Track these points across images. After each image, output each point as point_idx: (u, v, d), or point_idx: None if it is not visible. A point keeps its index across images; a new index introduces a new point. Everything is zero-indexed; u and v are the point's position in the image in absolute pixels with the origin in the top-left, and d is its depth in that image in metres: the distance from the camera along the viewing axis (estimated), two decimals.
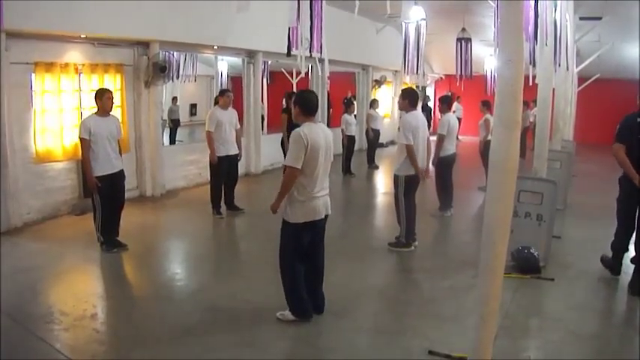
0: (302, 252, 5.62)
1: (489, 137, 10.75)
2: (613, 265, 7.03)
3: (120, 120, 8.98)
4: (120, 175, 7.93)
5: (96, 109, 7.76)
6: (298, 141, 5.19)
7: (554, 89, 9.66)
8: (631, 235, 6.77)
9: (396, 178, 8.01)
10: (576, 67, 16.35)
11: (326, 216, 5.68)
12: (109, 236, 7.80)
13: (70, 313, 5.87)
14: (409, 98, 7.99)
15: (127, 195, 10.60)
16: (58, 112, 9.75)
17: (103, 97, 7.67)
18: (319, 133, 5.31)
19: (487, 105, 12.34)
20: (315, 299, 5.73)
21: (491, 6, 11.74)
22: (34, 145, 9.39)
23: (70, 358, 4.88)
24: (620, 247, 6.92)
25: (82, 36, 9.96)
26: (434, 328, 5.56)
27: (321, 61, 10.64)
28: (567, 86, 13.76)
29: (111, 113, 7.90)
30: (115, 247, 7.74)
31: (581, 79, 19.89)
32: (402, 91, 8.37)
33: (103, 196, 7.67)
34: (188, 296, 6.57)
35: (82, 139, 7.48)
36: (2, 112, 8.68)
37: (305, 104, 5.41)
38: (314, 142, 5.22)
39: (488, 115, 12.15)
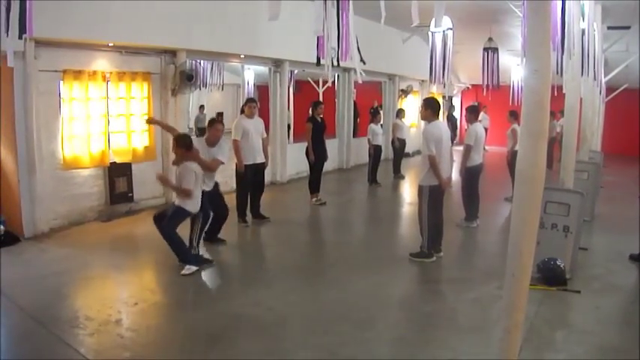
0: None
1: (517, 147, 10.68)
2: None
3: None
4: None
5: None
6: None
7: (581, 99, 9.57)
8: None
9: (420, 189, 7.97)
10: (604, 76, 16.19)
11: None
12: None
13: (95, 318, 5.92)
14: (431, 108, 7.95)
15: (151, 203, 10.82)
16: (86, 120, 9.86)
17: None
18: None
19: (515, 115, 12.26)
20: None
21: (518, 16, 11.67)
22: (62, 152, 9.51)
23: None
24: None
25: (110, 44, 10.07)
26: (458, 339, 5.52)
27: (350, 70, 10.62)
28: (595, 96, 13.63)
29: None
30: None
31: (609, 89, 19.68)
32: (424, 100, 8.32)
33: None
34: (212, 303, 6.59)
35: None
36: (31, 119, 8.81)
37: (184, 144, 7.42)
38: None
39: (515, 125, 12.08)
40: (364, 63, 9.04)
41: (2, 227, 8.72)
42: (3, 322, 5.91)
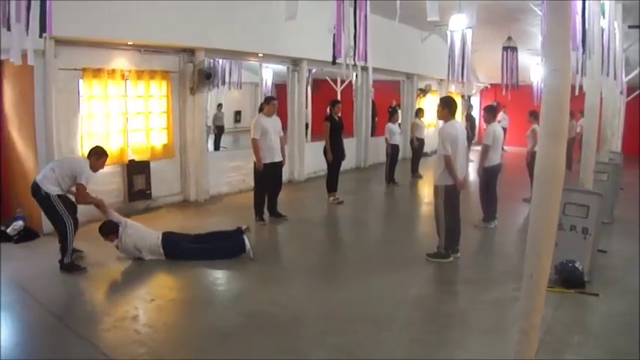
0: None
1: (536, 148, 10.59)
2: None
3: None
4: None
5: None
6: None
7: (601, 99, 9.48)
8: None
9: (435, 189, 7.93)
10: (625, 76, 16.01)
11: None
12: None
13: (112, 313, 5.97)
14: (448, 107, 7.89)
15: (169, 200, 10.93)
16: (105, 117, 9.94)
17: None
18: None
19: (535, 115, 12.15)
20: None
21: (538, 15, 11.59)
22: (81, 149, 9.57)
23: (111, 358, 4.95)
24: None
25: (129, 43, 10.14)
26: (474, 340, 5.49)
27: (365, 69, 10.66)
28: (615, 96, 13.51)
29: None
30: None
31: (630, 89, 19.44)
32: (441, 99, 8.27)
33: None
34: (228, 301, 6.61)
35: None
36: (50, 117, 8.89)
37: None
38: None
39: (535, 126, 11.97)
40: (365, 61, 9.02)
41: (22, 223, 8.84)
42: (22, 317, 5.98)
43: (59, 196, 7.36)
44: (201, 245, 8.03)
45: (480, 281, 7.26)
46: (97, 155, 7.71)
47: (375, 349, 5.27)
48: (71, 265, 7.36)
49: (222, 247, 8.01)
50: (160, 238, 7.82)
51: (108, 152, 8.06)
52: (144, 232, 7.89)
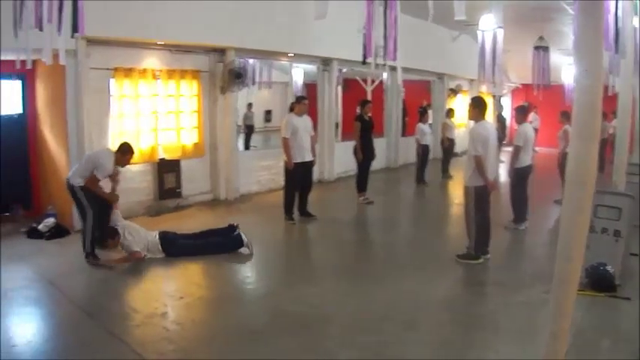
0: None
1: (568, 149, 10.43)
2: None
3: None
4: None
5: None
6: None
7: (634, 100, 9.33)
8: None
9: (466, 189, 7.88)
10: None
11: None
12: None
13: (142, 310, 6.04)
14: (479, 107, 7.83)
15: (199, 199, 10.98)
16: (136, 116, 10.04)
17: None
18: None
19: (567, 116, 11.97)
20: None
21: (570, 14, 11.45)
22: (112, 148, 9.64)
23: (140, 355, 5.00)
24: None
25: (160, 43, 10.22)
26: (504, 342, 5.43)
27: (394, 69, 10.61)
28: None
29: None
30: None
31: None
32: (472, 99, 8.21)
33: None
34: (257, 299, 6.63)
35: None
36: (82, 115, 9.01)
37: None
38: None
39: (567, 127, 11.81)
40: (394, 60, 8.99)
41: (53, 220, 8.99)
42: (52, 312, 6.08)
43: (83, 188, 7.55)
44: (197, 241, 8.20)
45: (510, 283, 7.18)
46: (123, 152, 7.92)
47: (403, 349, 5.25)
48: (89, 254, 7.61)
49: (218, 242, 8.20)
50: (157, 237, 7.98)
51: (134, 149, 8.24)
52: (142, 232, 8.01)
